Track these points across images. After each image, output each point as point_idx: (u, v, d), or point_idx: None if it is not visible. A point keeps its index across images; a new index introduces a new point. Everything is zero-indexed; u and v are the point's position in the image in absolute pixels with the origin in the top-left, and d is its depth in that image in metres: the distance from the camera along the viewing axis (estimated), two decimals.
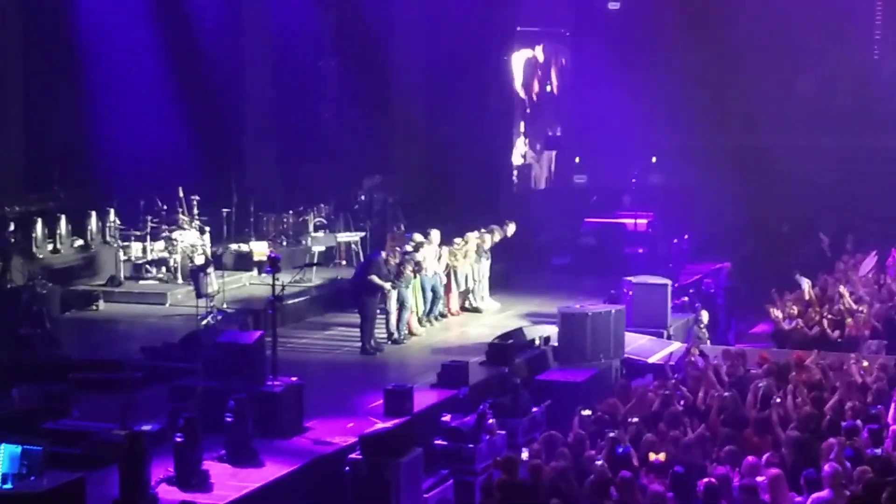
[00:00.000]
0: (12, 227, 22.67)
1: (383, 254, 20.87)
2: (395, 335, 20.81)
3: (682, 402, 15.73)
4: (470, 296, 23.36)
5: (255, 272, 24.56)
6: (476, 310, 23.37)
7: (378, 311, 20.63)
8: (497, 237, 23.77)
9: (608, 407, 15.65)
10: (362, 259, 25.65)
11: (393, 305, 20.73)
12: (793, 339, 20.85)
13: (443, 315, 22.59)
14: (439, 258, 22.29)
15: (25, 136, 25.10)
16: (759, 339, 23.21)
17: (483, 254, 23.41)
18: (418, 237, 21.77)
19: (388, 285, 20.46)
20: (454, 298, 23.05)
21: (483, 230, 23.61)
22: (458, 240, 23.04)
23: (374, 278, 20.33)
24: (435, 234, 22.26)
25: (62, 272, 23.25)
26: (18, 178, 24.77)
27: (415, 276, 21.29)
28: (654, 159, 33.63)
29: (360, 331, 20.48)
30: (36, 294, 20.86)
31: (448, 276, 22.62)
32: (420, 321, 21.78)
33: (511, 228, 24.29)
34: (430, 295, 22.08)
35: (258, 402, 15.10)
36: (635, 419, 14.82)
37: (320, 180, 29.16)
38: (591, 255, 27.73)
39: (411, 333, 21.35)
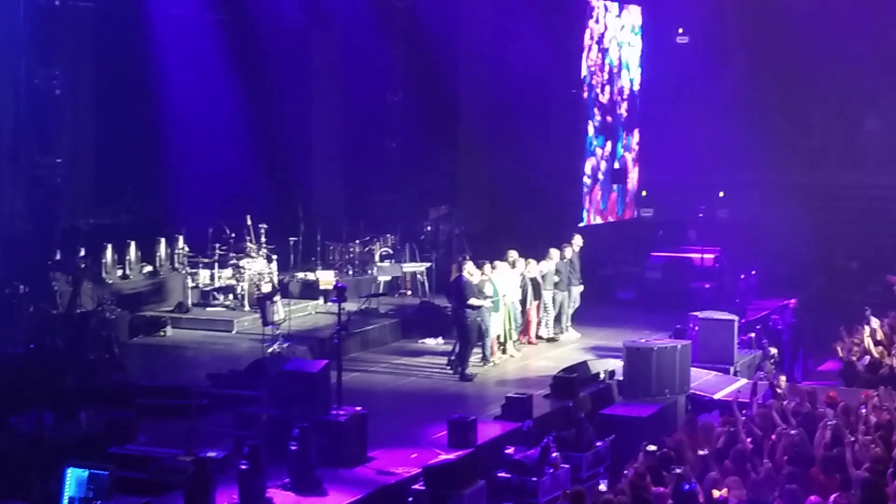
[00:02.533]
0: (83, 253, 22.91)
1: (465, 276, 20.83)
2: (479, 363, 20.92)
3: (749, 440, 15.57)
4: (544, 326, 23.36)
5: (321, 301, 24.72)
6: (552, 339, 23.35)
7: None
8: (569, 254, 23.71)
9: (674, 443, 15.53)
10: (427, 290, 25.74)
11: (481, 330, 20.83)
12: (861, 377, 20.60)
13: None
14: (522, 284, 22.30)
15: (96, 161, 25.35)
16: (826, 376, 22.98)
17: (573, 280, 23.44)
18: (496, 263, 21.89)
19: (486, 302, 20.51)
20: (533, 326, 23.08)
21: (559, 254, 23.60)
22: (530, 266, 23.09)
23: (473, 300, 20.36)
24: (511, 256, 22.36)
25: (131, 298, 23.47)
26: (89, 200, 24.99)
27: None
28: (721, 194, 33.45)
29: (458, 357, 20.54)
30: (105, 319, 21.07)
31: (524, 302, 22.62)
32: (504, 348, 21.93)
33: (577, 240, 24.19)
34: (513, 323, 22.14)
35: (322, 430, 15.14)
36: (701, 455, 14.69)
37: (386, 210, 29.27)
38: (656, 289, 27.60)
39: (505, 353, 21.66)
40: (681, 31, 34.35)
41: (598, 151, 32.50)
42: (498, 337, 21.81)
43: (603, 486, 14.38)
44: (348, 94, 30.49)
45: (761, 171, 33.16)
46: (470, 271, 20.75)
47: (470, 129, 31.81)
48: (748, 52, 32.97)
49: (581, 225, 30.97)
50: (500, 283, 21.66)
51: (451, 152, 31.53)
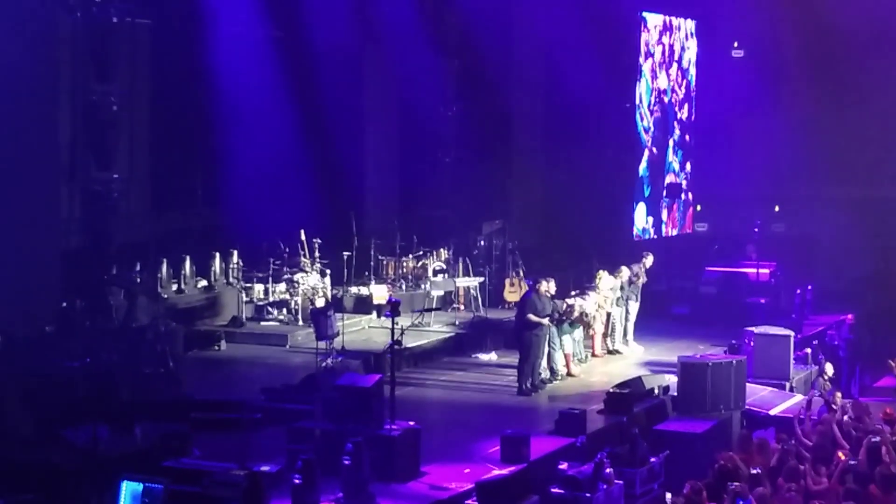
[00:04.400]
0: (138, 268, 23.08)
1: (537, 290, 20.81)
2: (545, 375, 20.86)
3: (806, 456, 15.44)
4: (608, 339, 23.33)
5: (374, 315, 24.77)
6: (616, 352, 23.33)
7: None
8: (639, 271, 23.69)
9: (729, 459, 15.41)
10: (481, 304, 25.73)
11: (546, 346, 20.85)
12: None
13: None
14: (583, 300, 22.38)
15: (152, 177, 25.55)
16: (883, 393, 22.75)
17: (632, 295, 23.44)
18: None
19: (545, 321, 20.51)
20: (597, 340, 23.07)
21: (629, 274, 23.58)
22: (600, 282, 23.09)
23: (532, 316, 20.37)
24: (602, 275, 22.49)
25: (186, 312, 23.59)
26: (145, 216, 25.17)
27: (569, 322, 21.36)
28: (777, 208, 33.21)
29: (518, 371, 20.57)
30: (160, 333, 21.18)
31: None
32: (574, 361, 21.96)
33: (649, 259, 24.16)
34: (578, 334, 22.20)
35: (375, 445, 15.14)
36: (756, 471, 14.58)
37: (440, 225, 29.27)
38: (711, 304, 27.47)
39: (570, 374, 21.51)
40: (736, 44, 34.20)
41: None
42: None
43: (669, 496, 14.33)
44: (402, 109, 30.55)
45: (817, 185, 32.94)
46: (547, 289, 20.73)
47: (524, 143, 31.80)
48: (804, 64, 32.76)
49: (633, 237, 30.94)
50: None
51: (505, 167, 31.52)
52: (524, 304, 20.73)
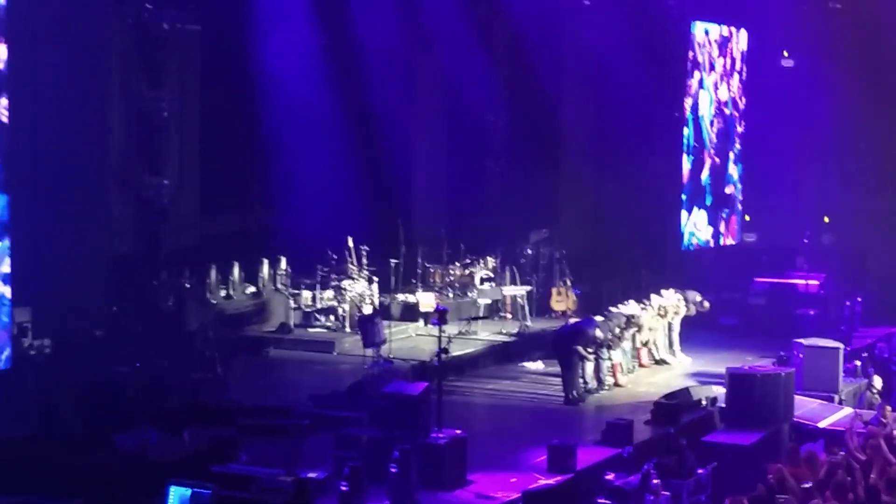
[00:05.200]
0: (188, 274, 23.21)
1: (595, 326, 20.82)
2: (591, 384, 20.85)
3: (855, 470, 15.31)
4: (653, 348, 23.30)
5: (421, 323, 24.78)
6: (663, 362, 23.30)
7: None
8: (693, 310, 23.73)
9: (777, 472, 15.31)
10: (528, 313, 25.68)
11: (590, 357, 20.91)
12: None
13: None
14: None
15: (202, 183, 25.67)
16: None
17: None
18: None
19: (591, 357, 20.51)
20: (644, 351, 23.12)
21: (683, 297, 23.60)
22: (654, 297, 23.08)
23: (580, 349, 20.38)
24: (655, 300, 22.49)
25: (234, 318, 23.72)
26: (194, 222, 25.31)
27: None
28: (826, 219, 33.01)
29: (563, 381, 20.56)
30: (209, 339, 21.31)
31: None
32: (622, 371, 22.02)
33: (706, 305, 24.18)
34: (626, 345, 22.26)
35: (422, 453, 15.16)
36: (808, 485, 14.47)
37: (487, 233, 29.25)
38: (760, 315, 27.34)
39: (617, 385, 21.54)
40: (786, 54, 34.03)
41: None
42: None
43: None
44: (450, 117, 30.56)
45: (867, 196, 32.70)
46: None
47: (572, 151, 31.72)
48: (854, 74, 32.52)
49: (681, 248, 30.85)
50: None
51: (553, 175, 31.46)
52: (576, 334, 20.72)
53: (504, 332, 24.85)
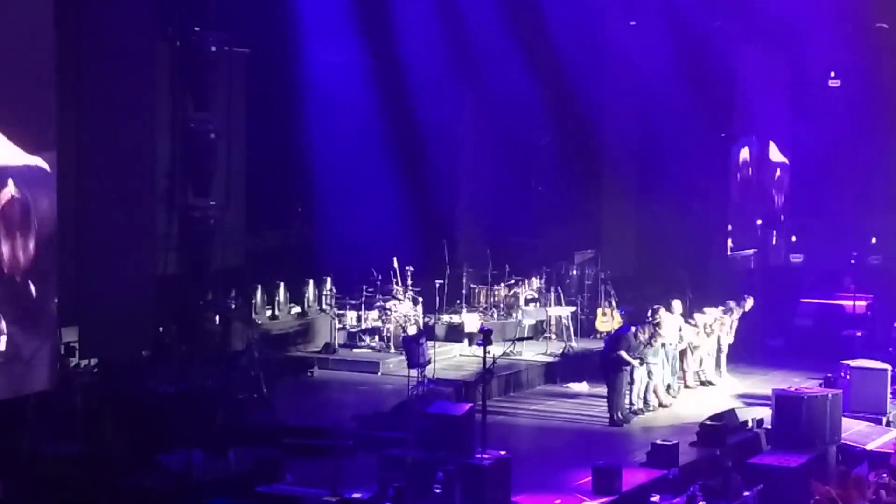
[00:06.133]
0: (234, 294, 23.32)
1: (633, 329, 20.82)
2: (637, 405, 20.79)
3: None
4: (700, 370, 23.17)
5: (466, 343, 24.77)
6: (709, 383, 23.17)
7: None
8: (736, 315, 23.59)
9: (825, 494, 15.20)
10: (573, 334, 25.65)
11: (639, 375, 20.74)
12: None
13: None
14: (679, 329, 22.20)
15: (248, 204, 25.80)
16: None
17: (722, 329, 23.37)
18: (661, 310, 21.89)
19: (636, 362, 20.48)
20: (690, 372, 22.93)
21: (722, 308, 23.47)
22: (697, 315, 22.99)
23: (623, 354, 20.32)
24: (676, 305, 22.22)
25: (279, 338, 23.82)
26: (241, 242, 25.43)
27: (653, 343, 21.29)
28: (874, 240, 32.78)
29: (608, 402, 20.53)
30: (254, 359, 21.37)
31: (683, 350, 22.52)
32: (668, 391, 21.85)
33: (749, 303, 24.04)
34: (672, 366, 22.11)
35: (466, 474, 15.15)
36: None
37: (532, 254, 29.24)
38: (807, 336, 27.17)
39: (661, 405, 21.48)
40: (833, 74, 33.85)
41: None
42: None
43: None
44: (495, 137, 30.61)
45: None
46: (643, 334, 20.78)
47: (617, 171, 31.67)
48: None
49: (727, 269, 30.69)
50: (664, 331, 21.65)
51: (598, 195, 31.42)
52: (618, 341, 20.67)
53: (549, 352, 24.80)
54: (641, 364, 20.73)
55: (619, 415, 20.31)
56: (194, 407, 18.30)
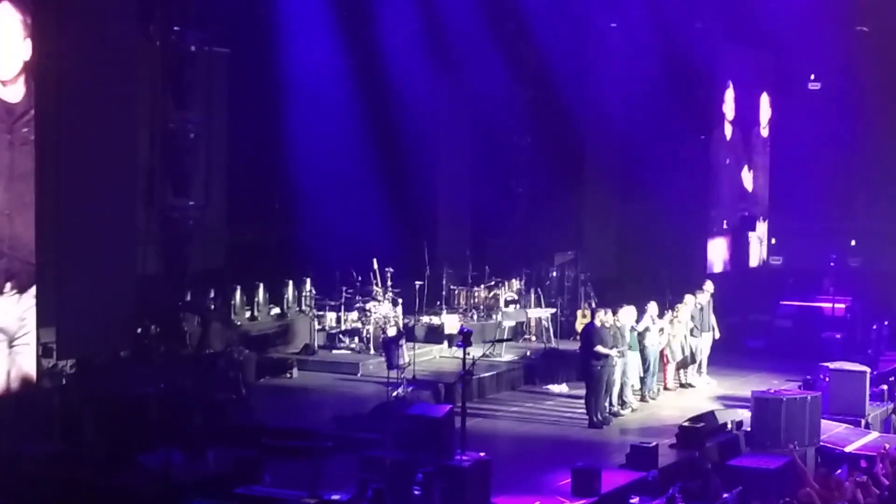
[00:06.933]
0: (213, 295, 23.27)
1: (597, 321, 20.74)
2: (615, 407, 20.78)
3: (880, 493, 15.23)
4: (681, 371, 23.19)
5: (445, 345, 24.77)
6: (689, 385, 23.21)
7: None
8: (701, 300, 23.52)
9: (804, 496, 15.22)
10: (552, 336, 25.66)
11: (616, 375, 20.70)
12: None
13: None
14: (661, 330, 22.19)
15: (227, 204, 25.76)
16: None
17: (698, 324, 23.30)
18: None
19: (614, 352, 20.41)
20: (670, 372, 22.93)
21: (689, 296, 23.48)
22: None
23: (600, 348, 20.28)
24: (652, 307, 22.23)
25: (258, 339, 23.74)
26: (220, 242, 25.38)
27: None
28: (853, 242, 32.88)
29: (586, 404, 20.46)
30: (233, 360, 21.35)
31: (662, 350, 22.53)
32: (635, 394, 21.83)
33: (707, 287, 23.94)
34: (652, 367, 22.05)
35: (446, 475, 15.11)
36: None
37: (512, 255, 29.27)
38: (786, 338, 27.22)
39: (643, 400, 21.65)
40: (813, 77, 33.97)
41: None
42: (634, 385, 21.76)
43: None
44: (476, 138, 30.64)
45: (895, 219, 32.56)
46: (602, 319, 20.63)
47: (597, 173, 31.76)
48: (880, 97, 32.47)
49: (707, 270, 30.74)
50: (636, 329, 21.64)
51: (578, 197, 31.49)
52: (588, 336, 20.63)
53: (529, 354, 24.79)
54: (621, 355, 20.65)
55: (599, 416, 20.30)
56: (173, 407, 18.23)
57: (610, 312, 20.95)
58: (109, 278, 21.07)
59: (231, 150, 25.81)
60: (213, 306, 23.14)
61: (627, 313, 21.28)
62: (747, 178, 34.42)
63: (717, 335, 23.80)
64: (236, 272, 24.80)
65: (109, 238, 21.32)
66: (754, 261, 34.15)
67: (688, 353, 23.17)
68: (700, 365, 23.66)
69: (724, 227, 32.27)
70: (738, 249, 33.49)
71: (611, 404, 20.74)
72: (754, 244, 33.88)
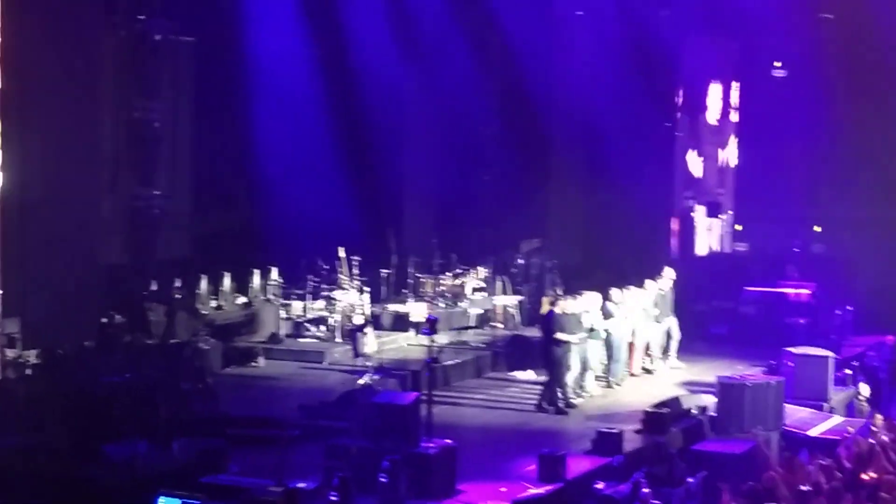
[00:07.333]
0: (178, 284, 23.22)
1: (558, 308, 20.80)
2: (573, 396, 20.81)
3: (843, 477, 15.36)
4: (646, 358, 23.30)
5: (412, 333, 24.78)
6: (649, 371, 23.31)
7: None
8: (662, 287, 23.62)
9: (768, 479, 15.35)
10: (519, 323, 25.73)
11: (575, 363, 20.73)
12: None
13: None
14: (625, 318, 22.28)
15: (193, 194, 25.69)
16: None
17: (661, 310, 23.38)
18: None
19: (574, 338, 20.46)
20: (636, 359, 23.04)
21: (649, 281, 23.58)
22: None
23: (560, 334, 20.33)
24: (616, 293, 22.35)
25: (224, 328, 23.70)
26: (185, 232, 25.32)
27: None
28: (817, 229, 33.05)
29: (545, 390, 20.51)
30: (198, 350, 21.33)
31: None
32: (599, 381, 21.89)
33: (667, 273, 24.05)
34: (616, 353, 22.12)
35: (412, 463, 15.16)
36: (801, 490, 14.50)
37: (479, 243, 29.31)
38: (750, 324, 27.35)
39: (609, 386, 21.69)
40: (778, 64, 34.10)
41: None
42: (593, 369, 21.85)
43: None
44: (442, 127, 30.63)
45: (858, 206, 32.74)
46: (563, 306, 20.70)
47: (563, 161, 31.80)
48: (845, 84, 32.59)
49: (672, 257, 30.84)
50: (599, 315, 21.69)
51: (544, 185, 31.51)
52: (550, 322, 20.68)
53: (495, 341, 24.84)
54: (581, 343, 20.71)
55: (555, 402, 20.31)
56: (138, 398, 18.19)
57: (570, 299, 21.02)
58: (74, 268, 21.04)
59: (196, 139, 25.76)
60: (178, 296, 23.10)
61: (590, 300, 21.36)
62: (713, 165, 34.51)
63: (673, 319, 23.91)
64: (202, 261, 24.74)
65: (74, 228, 21.28)
66: (719, 247, 34.26)
67: (653, 339, 23.29)
68: (669, 350, 23.76)
69: (690, 213, 32.38)
70: (702, 236, 33.60)
71: (569, 390, 20.73)
72: (716, 231, 33.99)
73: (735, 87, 34.48)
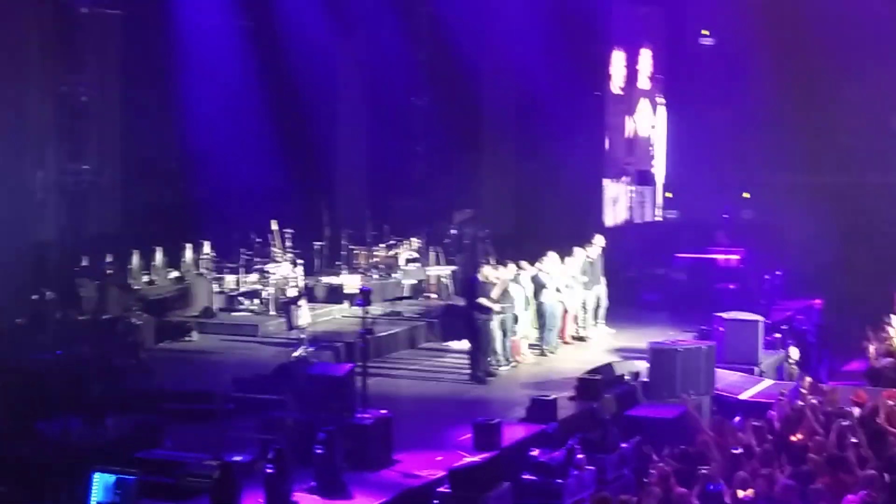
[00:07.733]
0: (109, 259, 23.05)
1: (481, 276, 20.87)
2: (498, 362, 20.90)
3: (774, 439, 15.58)
4: (577, 325, 23.47)
5: (346, 305, 24.77)
6: (581, 339, 23.42)
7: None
8: (591, 251, 23.74)
9: (700, 443, 15.54)
10: (452, 293, 25.80)
11: (497, 331, 20.82)
12: (886, 377, 20.52)
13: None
14: (557, 289, 22.34)
15: (122, 168, 25.48)
16: (852, 376, 22.89)
17: (591, 277, 23.48)
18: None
19: (496, 306, 20.53)
20: (568, 326, 23.16)
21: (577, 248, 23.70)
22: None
23: (483, 300, 20.40)
24: (548, 261, 22.48)
25: (157, 303, 23.54)
26: (115, 207, 25.11)
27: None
28: (746, 195, 33.37)
29: (471, 358, 20.57)
30: (131, 325, 21.19)
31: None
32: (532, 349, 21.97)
33: (597, 240, 24.19)
34: (550, 321, 22.22)
35: (348, 434, 15.20)
36: (732, 454, 14.68)
37: (411, 214, 29.32)
38: (681, 290, 27.60)
39: (517, 360, 21.57)
40: (705, 32, 34.34)
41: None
42: (526, 337, 21.94)
43: None
44: (373, 99, 30.58)
45: (786, 172, 33.11)
46: (485, 273, 20.79)
47: (494, 132, 31.87)
48: (773, 52, 32.87)
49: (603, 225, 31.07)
50: (528, 283, 21.76)
51: (476, 156, 31.56)
52: (473, 289, 20.75)
53: (429, 311, 24.90)
54: (504, 312, 20.80)
55: (481, 371, 20.42)
56: (70, 374, 18.07)
57: (493, 267, 21.12)
58: (3, 245, 20.82)
59: (126, 113, 25.52)
60: (109, 271, 22.90)
61: (520, 268, 21.46)
62: (642, 133, 34.74)
63: (603, 286, 24.09)
64: (133, 236, 24.54)
65: (3, 204, 21.05)
66: (648, 216, 34.52)
67: (583, 305, 23.45)
68: (597, 316, 23.95)
69: (620, 181, 32.58)
70: (632, 204, 33.84)
71: (497, 357, 20.85)
72: (648, 199, 34.23)
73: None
